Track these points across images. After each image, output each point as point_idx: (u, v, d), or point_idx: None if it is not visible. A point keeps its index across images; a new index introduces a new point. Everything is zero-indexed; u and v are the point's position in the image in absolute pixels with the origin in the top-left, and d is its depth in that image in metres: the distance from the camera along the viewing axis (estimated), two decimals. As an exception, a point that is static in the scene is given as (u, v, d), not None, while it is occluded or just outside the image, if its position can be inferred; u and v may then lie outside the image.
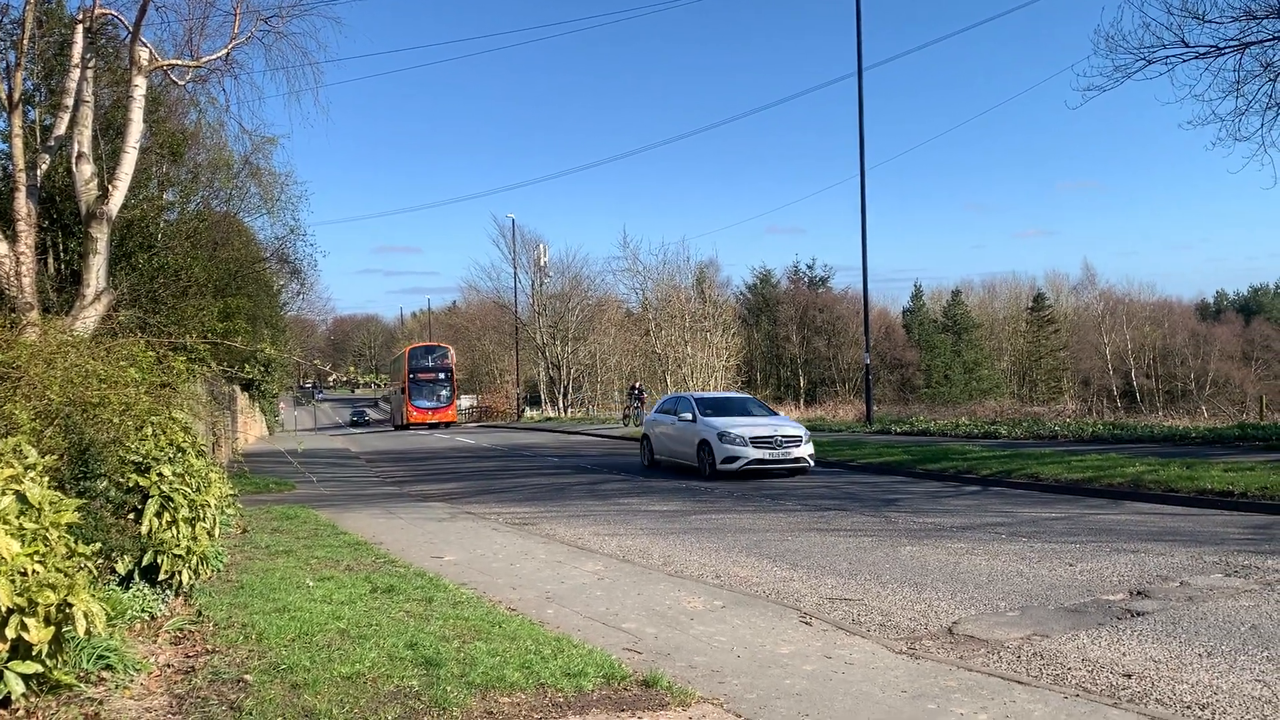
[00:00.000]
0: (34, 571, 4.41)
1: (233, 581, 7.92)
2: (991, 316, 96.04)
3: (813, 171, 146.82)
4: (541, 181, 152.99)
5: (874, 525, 11.45)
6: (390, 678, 5.17)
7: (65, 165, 15.82)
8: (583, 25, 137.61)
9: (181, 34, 16.08)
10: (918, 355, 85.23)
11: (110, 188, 13.70)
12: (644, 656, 5.85)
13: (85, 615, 4.42)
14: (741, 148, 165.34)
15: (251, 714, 4.60)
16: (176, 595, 7.11)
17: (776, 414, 19.78)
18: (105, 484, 7.33)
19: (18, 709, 4.37)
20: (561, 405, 62.95)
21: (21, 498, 4.69)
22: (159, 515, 7.14)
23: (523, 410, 61.66)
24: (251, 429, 44.03)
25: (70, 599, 4.38)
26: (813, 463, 17.47)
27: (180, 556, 6.96)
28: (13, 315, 10.89)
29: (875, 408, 30.77)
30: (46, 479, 5.12)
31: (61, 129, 14.23)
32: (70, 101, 14.05)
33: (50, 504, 4.80)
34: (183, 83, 16.43)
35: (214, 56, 15.59)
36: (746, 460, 16.87)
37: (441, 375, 57.75)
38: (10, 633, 4.20)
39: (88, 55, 14.26)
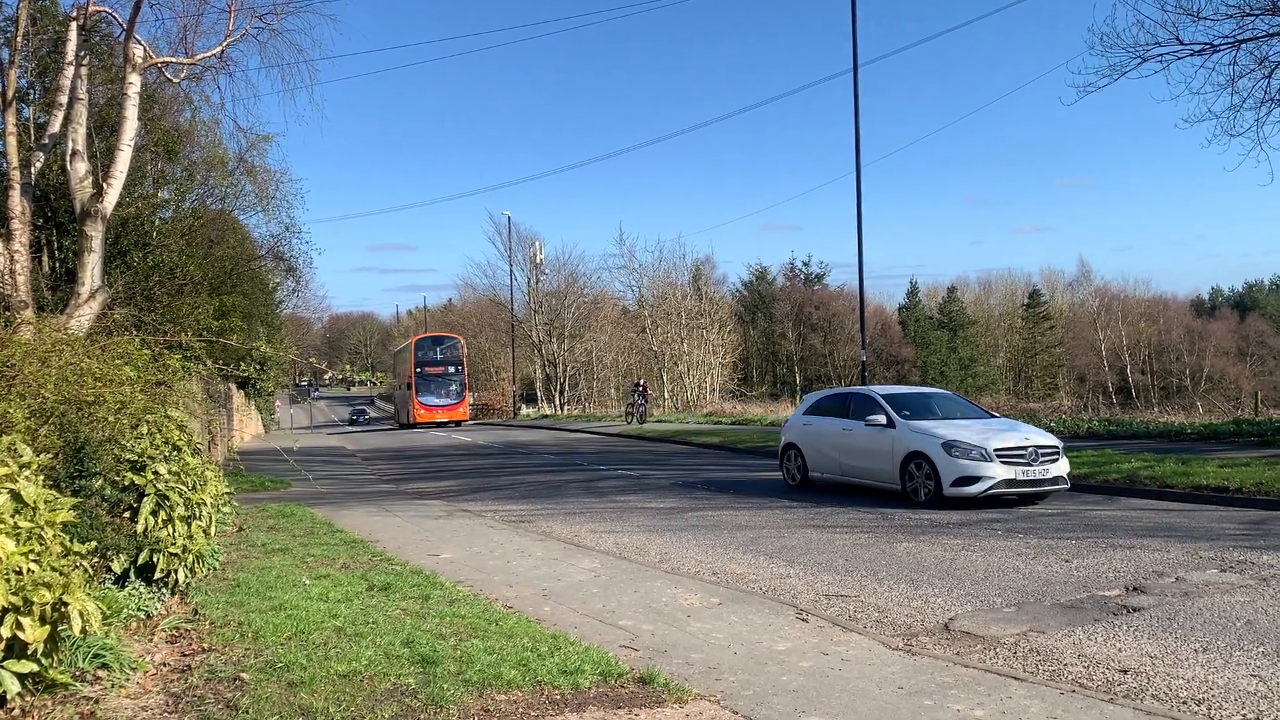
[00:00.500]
0: (29, 570, 4.40)
1: (229, 580, 7.91)
2: (987, 313, 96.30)
3: (809, 168, 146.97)
4: (537, 179, 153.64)
5: (870, 522, 11.46)
6: (387, 676, 5.16)
7: (60, 163, 15.78)
8: (577, 23, 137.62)
9: (176, 31, 16.12)
10: (914, 352, 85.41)
11: (105, 186, 13.66)
12: (641, 654, 5.85)
13: (81, 614, 4.41)
14: (738, 144, 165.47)
15: (248, 712, 4.59)
16: (172, 594, 7.10)
17: (993, 414, 14.85)
18: (101, 482, 7.32)
19: (13, 708, 4.36)
20: (558, 403, 62.90)
21: (16, 496, 4.68)
22: (155, 514, 7.13)
23: (519, 408, 61.54)
24: (247, 427, 44.00)
25: (66, 598, 4.37)
26: (1069, 484, 12.85)
27: (176, 555, 6.95)
28: (7, 314, 10.88)
29: (872, 405, 30.74)
30: (42, 477, 5.11)
31: (56, 127, 14.18)
32: (64, 99, 14.01)
33: (45, 502, 4.79)
34: (177, 80, 16.39)
35: (209, 54, 15.56)
36: (992, 482, 12.13)
37: (452, 369, 52.95)
38: (5, 632, 4.19)
39: (82, 52, 14.21)
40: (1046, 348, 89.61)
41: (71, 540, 4.98)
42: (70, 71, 13.94)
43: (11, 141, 13.76)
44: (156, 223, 23.51)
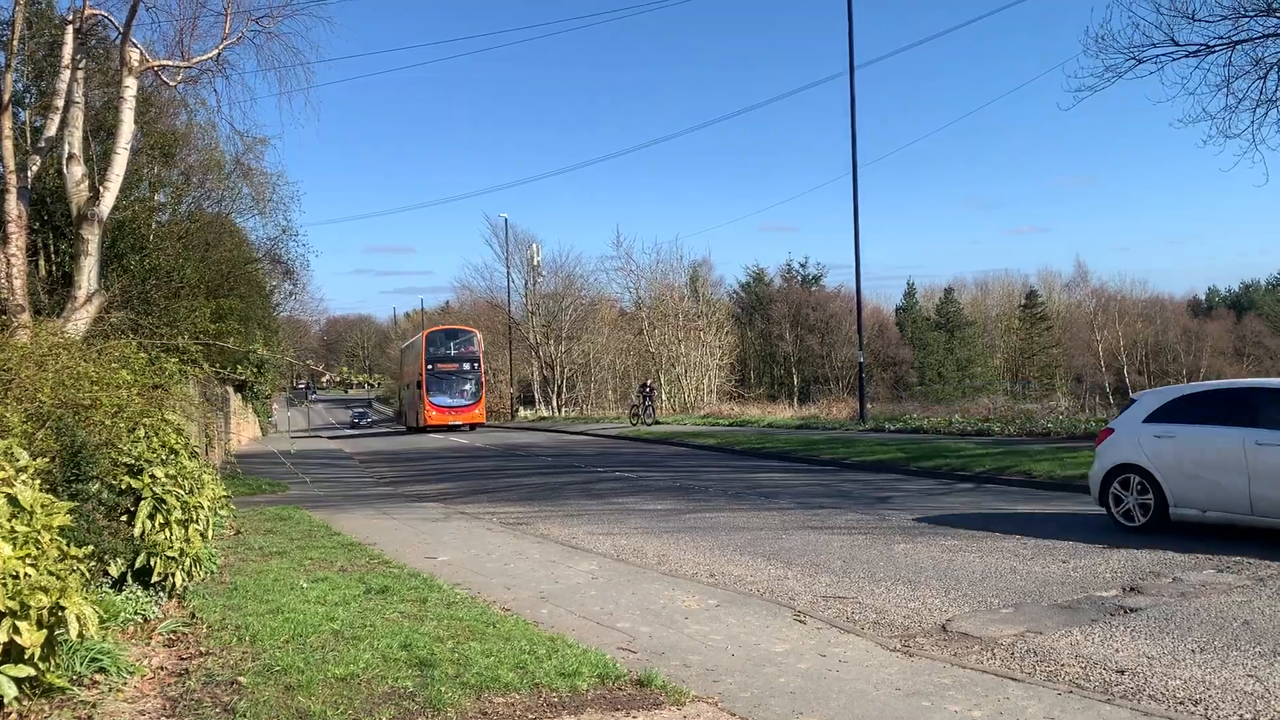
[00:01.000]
0: (26, 574, 4.40)
1: (226, 583, 7.91)
2: (984, 314, 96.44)
3: (806, 169, 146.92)
4: (534, 181, 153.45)
5: (867, 523, 11.47)
6: (384, 679, 5.16)
7: (56, 167, 15.77)
8: (574, 25, 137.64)
9: (172, 34, 16.11)
10: (911, 353, 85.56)
11: (101, 189, 13.65)
12: (638, 656, 5.85)
13: (78, 618, 4.41)
14: (735, 146, 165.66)
15: (245, 716, 4.59)
16: (170, 597, 7.10)
17: None
18: (98, 486, 7.31)
19: (10, 712, 4.35)
20: (556, 405, 62.84)
21: (13, 500, 4.67)
22: (152, 517, 7.13)
23: (517, 410, 61.47)
24: (245, 430, 43.97)
25: (63, 602, 4.37)
26: None
27: (173, 558, 6.95)
28: (4, 317, 10.87)
29: (869, 405, 30.81)
30: (38, 482, 5.11)
31: (52, 130, 14.17)
32: (61, 103, 13.99)
33: (42, 507, 4.79)
34: (174, 83, 16.41)
35: (205, 57, 15.56)
36: None
37: (467, 366, 46.89)
38: (2, 636, 4.18)
39: (78, 56, 14.21)
40: (1044, 348, 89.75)
41: (68, 544, 4.97)
42: (66, 75, 13.93)
43: (8, 145, 13.74)
44: (153, 226, 23.51)
